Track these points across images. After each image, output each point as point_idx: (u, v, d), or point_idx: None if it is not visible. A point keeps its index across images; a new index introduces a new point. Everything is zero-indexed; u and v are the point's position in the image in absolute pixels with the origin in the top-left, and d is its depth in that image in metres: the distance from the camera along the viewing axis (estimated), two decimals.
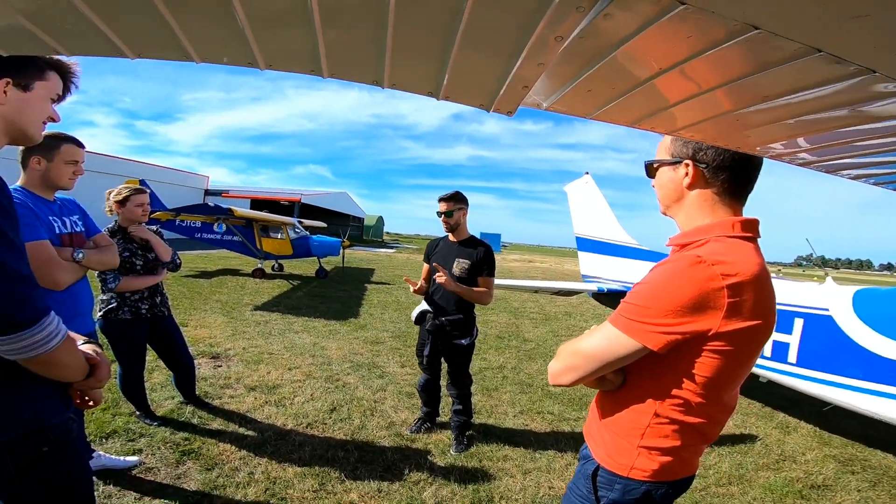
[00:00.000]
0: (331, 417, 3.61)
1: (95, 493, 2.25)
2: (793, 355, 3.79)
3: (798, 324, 3.77)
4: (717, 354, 1.01)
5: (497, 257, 3.76)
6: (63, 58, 1.29)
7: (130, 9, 0.66)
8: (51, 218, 2.01)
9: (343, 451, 3.06)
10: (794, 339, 3.79)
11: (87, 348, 1.27)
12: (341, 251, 13.69)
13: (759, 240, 1.10)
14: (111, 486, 2.42)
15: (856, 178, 1.18)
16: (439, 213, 3.22)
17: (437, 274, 3.05)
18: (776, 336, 3.90)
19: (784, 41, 0.60)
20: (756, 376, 4.13)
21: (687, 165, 1.12)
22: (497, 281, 4.16)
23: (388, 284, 12.97)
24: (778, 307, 1.08)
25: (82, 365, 1.21)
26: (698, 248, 1.06)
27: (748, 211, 1.14)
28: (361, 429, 3.45)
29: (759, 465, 3.40)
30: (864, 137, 0.90)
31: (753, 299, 0.98)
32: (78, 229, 2.19)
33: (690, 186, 1.12)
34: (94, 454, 2.56)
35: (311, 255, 13.39)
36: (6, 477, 1.14)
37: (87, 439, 2.57)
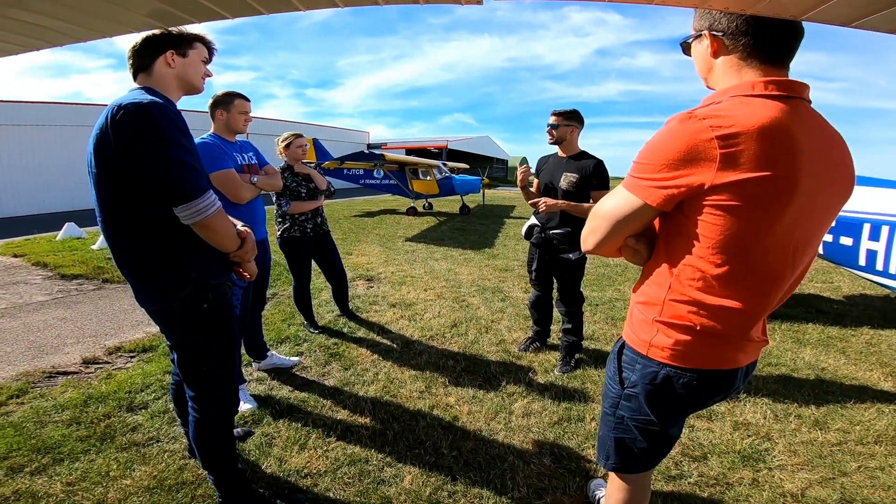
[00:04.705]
0: (450, 332, 3.80)
1: (263, 387, 2.84)
2: None
3: None
4: (721, 211, 0.92)
5: None
6: (196, 30, 1.64)
7: None
8: (234, 154, 2.55)
9: (453, 361, 3.21)
10: None
11: (240, 228, 1.61)
12: (481, 189, 13.83)
13: (799, 100, 0.95)
14: (275, 381, 2.94)
15: None
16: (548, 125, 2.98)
17: (540, 202, 2.86)
18: None
19: None
20: None
21: (706, 37, 1.05)
22: None
23: (527, 219, 12.74)
24: None
25: (234, 235, 1.56)
26: (703, 107, 0.96)
27: None
28: (474, 343, 3.56)
29: None
30: None
31: (756, 150, 0.87)
32: (253, 162, 2.71)
33: (715, 55, 1.05)
34: (268, 353, 3.14)
35: (455, 194, 13.84)
36: (175, 327, 1.54)
37: (265, 342, 3.18)
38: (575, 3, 0.87)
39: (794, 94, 0.95)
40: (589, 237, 1.14)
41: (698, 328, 1.02)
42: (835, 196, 1.00)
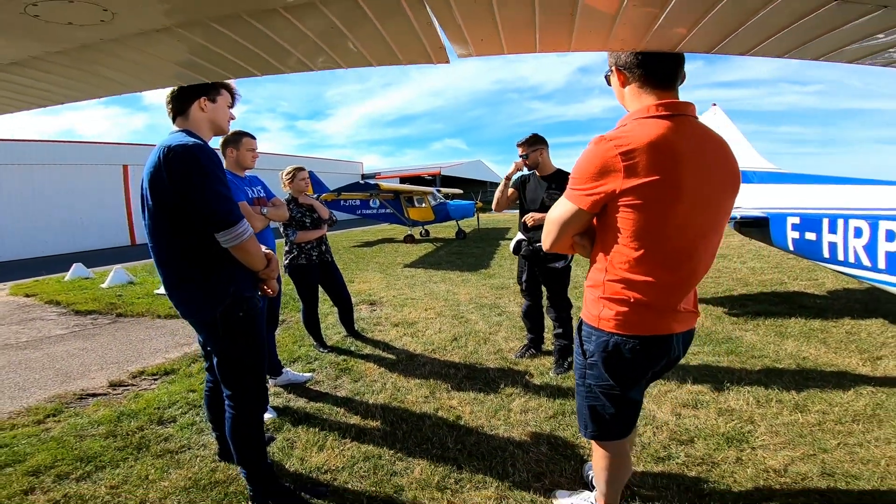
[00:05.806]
0: (451, 345, 4.02)
1: (281, 399, 3.05)
2: None
3: None
4: (630, 209, 1.20)
5: None
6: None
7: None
8: (245, 188, 2.82)
9: (454, 370, 3.43)
10: None
11: (265, 251, 1.87)
12: (476, 213, 14.17)
13: (684, 116, 1.23)
14: (291, 394, 3.15)
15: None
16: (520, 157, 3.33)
17: (528, 217, 3.19)
18: None
19: None
20: None
21: (614, 72, 1.35)
22: None
23: None
24: None
25: (262, 256, 1.82)
26: (613, 131, 1.26)
27: None
28: (473, 353, 3.78)
29: None
30: None
31: (647, 160, 1.15)
32: (262, 195, 3.00)
33: (623, 85, 1.34)
34: (283, 370, 3.35)
35: (451, 219, 14.12)
36: (217, 337, 1.79)
37: (280, 360, 3.38)
38: (521, 54, 1.14)
39: (679, 112, 1.23)
40: (546, 238, 1.43)
41: (632, 300, 1.28)
42: (721, 190, 1.27)
